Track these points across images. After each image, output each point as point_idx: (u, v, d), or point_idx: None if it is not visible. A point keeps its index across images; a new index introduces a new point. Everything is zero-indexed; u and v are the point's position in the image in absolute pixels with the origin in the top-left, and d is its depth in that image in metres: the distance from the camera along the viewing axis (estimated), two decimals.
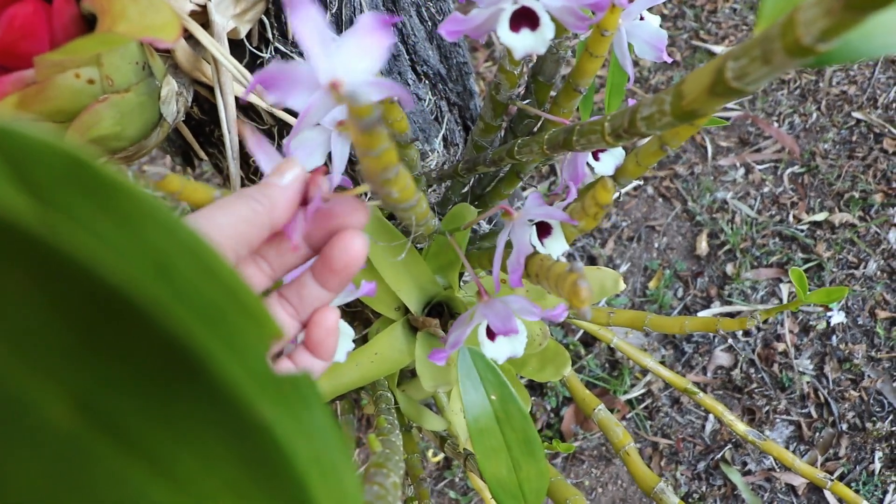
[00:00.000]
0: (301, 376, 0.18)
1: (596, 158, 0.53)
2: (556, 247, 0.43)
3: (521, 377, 0.86)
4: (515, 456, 0.54)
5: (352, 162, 0.77)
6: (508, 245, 0.46)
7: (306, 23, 0.30)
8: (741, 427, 0.86)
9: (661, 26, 0.52)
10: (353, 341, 0.49)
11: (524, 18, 0.40)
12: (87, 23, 0.49)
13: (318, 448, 0.18)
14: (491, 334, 0.50)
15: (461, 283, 0.72)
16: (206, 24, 0.58)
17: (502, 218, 0.45)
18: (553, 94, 0.58)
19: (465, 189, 0.76)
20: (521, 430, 0.53)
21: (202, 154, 0.82)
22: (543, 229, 0.44)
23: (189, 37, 0.57)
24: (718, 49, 2.11)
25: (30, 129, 0.13)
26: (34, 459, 0.15)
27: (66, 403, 0.14)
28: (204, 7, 0.57)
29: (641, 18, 0.52)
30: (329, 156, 0.40)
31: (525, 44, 0.40)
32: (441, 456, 1.61)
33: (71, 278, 0.13)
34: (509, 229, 0.45)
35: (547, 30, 0.40)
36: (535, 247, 0.44)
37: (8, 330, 0.13)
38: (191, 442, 0.16)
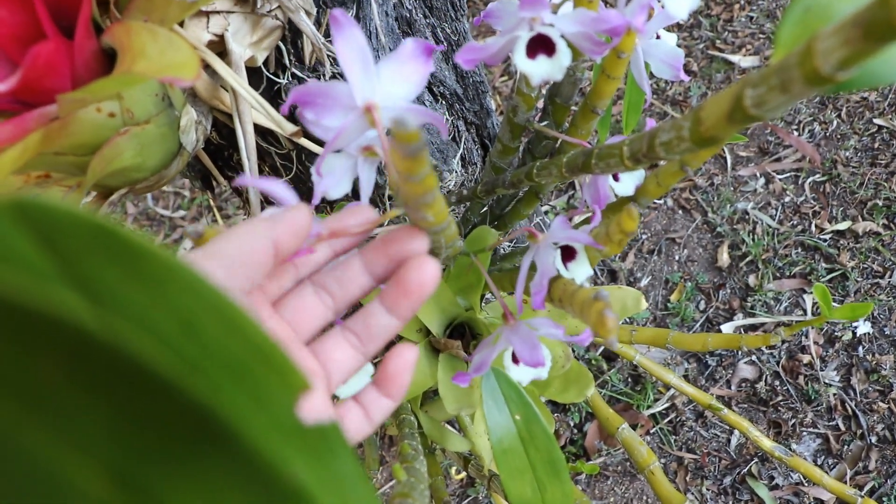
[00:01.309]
0: (328, 426, 0.18)
1: (616, 179, 0.53)
2: (581, 271, 0.43)
3: (543, 397, 0.85)
4: (540, 476, 0.53)
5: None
6: (532, 267, 0.46)
7: (349, 43, 0.30)
8: (767, 443, 0.85)
9: (677, 37, 0.52)
10: (375, 364, 0.49)
11: (540, 45, 0.40)
12: (108, 57, 0.49)
13: (345, 496, 0.18)
14: (516, 358, 0.50)
15: (482, 305, 0.72)
16: (223, 52, 0.58)
17: (528, 240, 0.45)
18: (573, 111, 0.58)
19: (484, 209, 0.76)
20: (546, 451, 0.53)
21: (221, 179, 0.83)
22: (567, 253, 0.44)
23: (207, 66, 0.58)
24: (735, 58, 2.10)
25: (55, 201, 0.13)
26: None
27: (101, 476, 0.14)
28: (221, 37, 0.57)
29: (658, 37, 0.52)
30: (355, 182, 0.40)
31: (542, 70, 0.40)
32: (464, 474, 1.61)
33: (101, 359, 0.13)
34: (534, 252, 0.45)
35: (563, 56, 0.40)
36: (558, 270, 0.44)
37: (47, 411, 0.14)
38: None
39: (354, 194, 0.39)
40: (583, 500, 0.62)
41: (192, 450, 0.15)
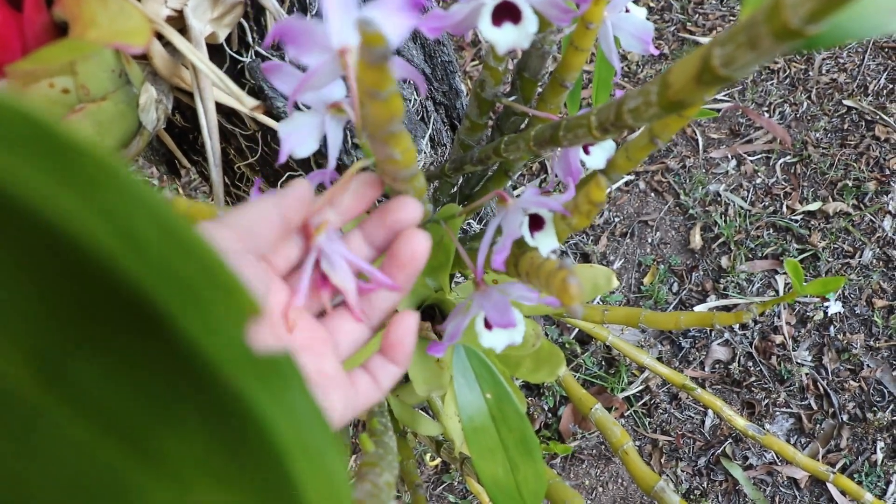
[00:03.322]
0: (281, 356, 0.17)
1: (586, 152, 0.52)
2: (547, 242, 0.42)
3: (516, 379, 0.85)
4: (512, 456, 0.53)
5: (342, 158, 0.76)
6: (498, 232, 0.45)
7: None
8: (741, 422, 0.86)
9: (647, 19, 0.51)
10: None
11: (506, 13, 0.39)
12: (60, 30, 0.48)
13: (302, 432, 0.17)
14: (488, 324, 0.49)
15: (452, 285, 0.71)
16: (183, 29, 0.57)
17: (497, 205, 0.44)
18: (540, 89, 0.57)
19: (454, 190, 0.75)
20: (518, 430, 0.52)
21: (186, 162, 0.81)
22: (536, 223, 0.43)
23: (167, 43, 0.56)
24: (706, 40, 2.10)
25: None
26: None
27: (25, 368, 0.13)
28: (181, 12, 0.56)
29: (627, 11, 0.51)
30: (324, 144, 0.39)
31: (508, 38, 0.39)
32: (439, 460, 1.60)
33: (34, 232, 0.13)
34: (501, 216, 0.44)
35: (530, 24, 0.39)
36: (524, 238, 0.43)
37: None
38: (164, 415, 0.15)
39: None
40: (556, 480, 0.61)
41: (133, 352, 0.14)
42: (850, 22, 0.26)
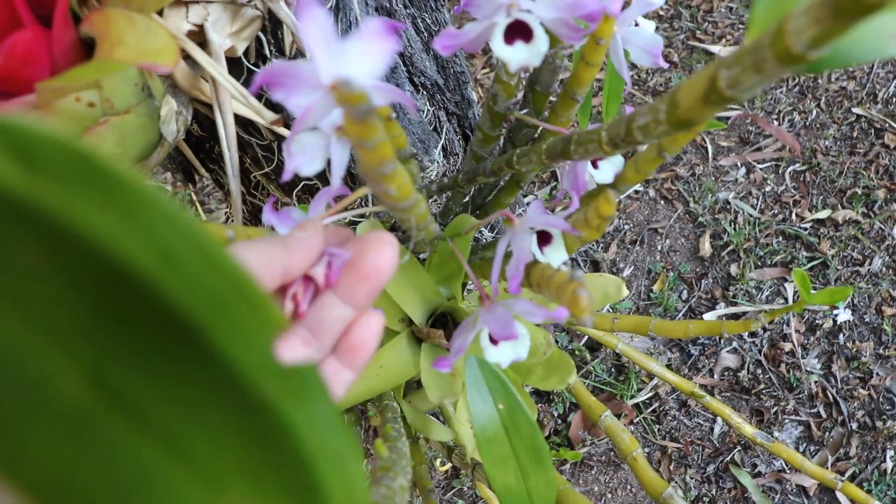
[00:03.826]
0: (306, 367, 0.18)
1: (595, 167, 0.53)
2: (556, 256, 0.43)
3: (527, 386, 0.85)
4: (524, 464, 0.54)
5: (353, 175, 0.77)
6: (509, 253, 0.46)
7: (312, 23, 0.30)
8: (749, 429, 0.86)
9: (657, 28, 0.52)
10: None
11: (518, 31, 0.40)
12: (87, 46, 0.49)
13: (324, 436, 0.18)
14: (493, 339, 0.50)
15: (464, 294, 0.72)
16: (203, 43, 0.58)
17: (504, 225, 0.45)
18: (551, 101, 0.58)
19: (466, 199, 0.76)
20: (529, 439, 0.53)
21: (203, 171, 0.82)
22: (544, 238, 0.45)
23: (187, 56, 0.58)
24: (716, 49, 2.11)
25: (36, 123, 0.13)
26: (51, 434, 0.15)
27: (80, 379, 0.15)
28: (201, 27, 0.57)
29: (636, 25, 0.52)
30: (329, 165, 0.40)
31: (520, 57, 0.40)
32: (449, 465, 1.61)
33: (85, 255, 0.14)
34: (510, 236, 0.45)
35: (541, 42, 0.40)
36: (534, 255, 0.44)
37: (26, 305, 0.14)
38: (199, 421, 0.16)
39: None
40: (566, 486, 0.62)
41: (172, 363, 0.15)
42: (851, 47, 0.27)
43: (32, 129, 0.14)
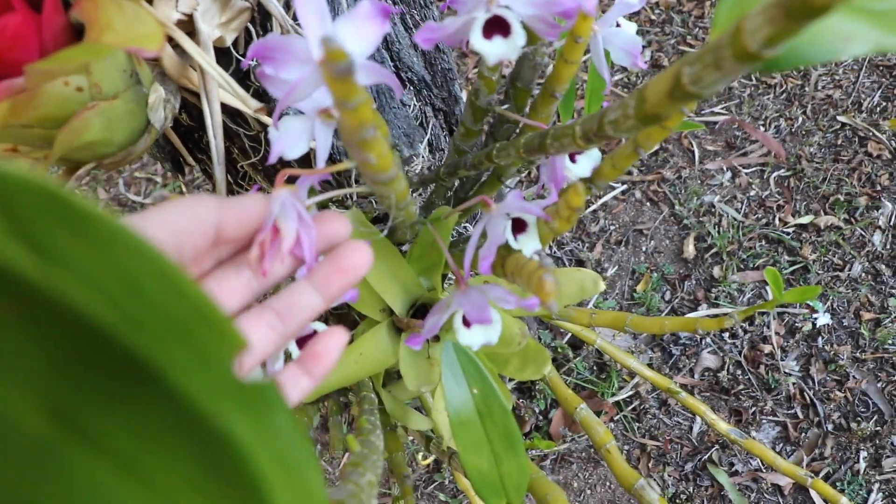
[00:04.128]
0: (266, 383, 0.19)
1: (573, 161, 0.55)
2: (530, 244, 0.44)
3: (509, 380, 0.87)
4: (497, 450, 0.55)
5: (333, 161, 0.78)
6: (483, 236, 0.47)
7: (308, 1, 0.31)
8: (723, 426, 0.88)
9: (648, 32, 0.53)
10: None
11: (496, 26, 0.41)
12: (76, 32, 0.50)
13: (281, 449, 0.19)
14: (466, 322, 0.51)
15: (444, 285, 0.73)
16: (192, 32, 0.59)
17: (481, 209, 0.47)
18: (532, 98, 0.59)
19: (449, 195, 0.77)
20: (502, 425, 0.54)
21: (191, 160, 0.83)
22: (519, 226, 0.46)
23: (176, 45, 0.59)
24: None
25: (7, 165, 0.14)
26: (9, 463, 0.16)
27: (39, 412, 0.16)
28: (190, 16, 0.58)
29: (618, 25, 0.54)
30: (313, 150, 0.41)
31: (497, 51, 0.41)
32: (431, 459, 1.62)
33: (43, 306, 0.15)
34: (486, 220, 0.46)
35: (518, 37, 0.41)
36: (507, 241, 0.45)
37: None
38: (154, 444, 0.17)
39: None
40: (538, 474, 0.64)
41: (127, 397, 0.16)
42: (807, 47, 0.28)
43: (6, 172, 0.15)
